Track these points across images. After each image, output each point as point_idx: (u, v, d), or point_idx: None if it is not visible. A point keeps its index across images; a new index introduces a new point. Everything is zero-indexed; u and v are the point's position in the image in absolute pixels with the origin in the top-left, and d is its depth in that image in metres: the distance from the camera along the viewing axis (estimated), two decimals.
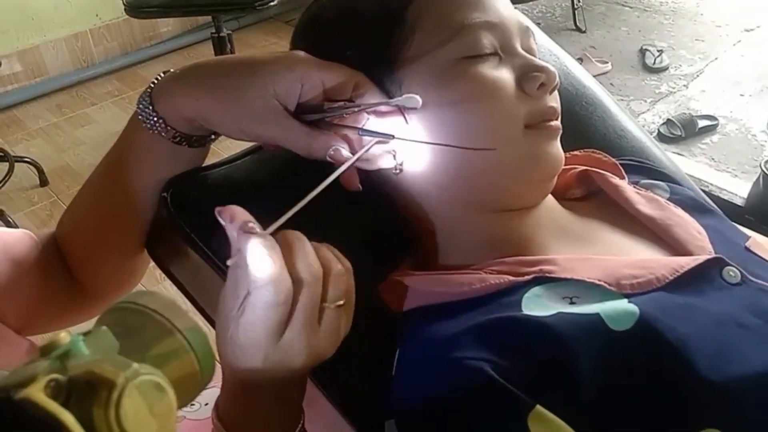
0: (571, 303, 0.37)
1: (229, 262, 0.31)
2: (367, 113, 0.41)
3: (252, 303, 0.31)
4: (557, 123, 0.44)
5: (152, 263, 0.54)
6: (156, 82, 0.43)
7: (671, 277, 0.39)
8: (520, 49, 0.43)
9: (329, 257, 0.33)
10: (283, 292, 0.31)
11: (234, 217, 0.31)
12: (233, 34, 1.80)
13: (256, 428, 0.37)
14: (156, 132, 0.43)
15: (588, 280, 0.38)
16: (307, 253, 0.32)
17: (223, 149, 0.46)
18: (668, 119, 1.84)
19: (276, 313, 0.31)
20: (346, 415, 0.43)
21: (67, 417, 0.20)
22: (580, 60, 2.08)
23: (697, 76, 2.10)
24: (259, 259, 0.31)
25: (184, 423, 0.87)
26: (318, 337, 0.33)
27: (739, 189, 0.79)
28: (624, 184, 0.49)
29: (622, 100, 1.97)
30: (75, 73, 2.24)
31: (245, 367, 0.33)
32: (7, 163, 1.72)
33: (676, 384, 0.34)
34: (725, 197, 0.73)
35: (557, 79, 0.43)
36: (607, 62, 2.13)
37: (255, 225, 0.31)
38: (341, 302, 0.33)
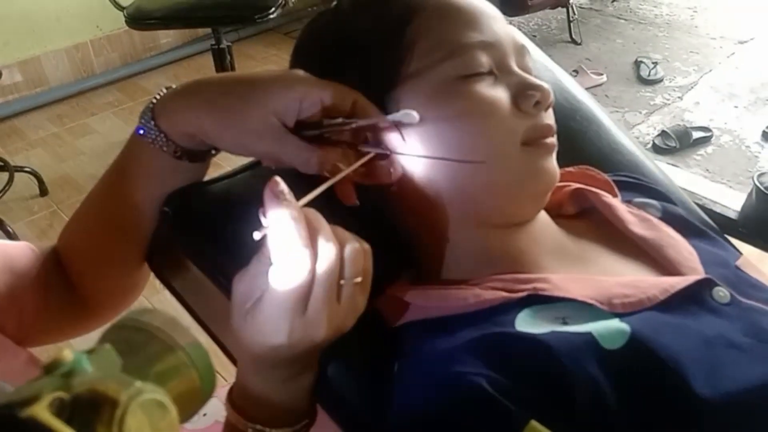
0: (564, 323, 0.38)
1: (255, 235, 0.31)
2: (366, 130, 0.42)
3: (274, 279, 0.32)
4: (553, 140, 0.44)
5: (152, 274, 0.55)
6: (158, 97, 0.44)
7: (662, 297, 0.39)
8: (515, 68, 0.44)
9: (346, 236, 0.34)
10: (305, 265, 0.31)
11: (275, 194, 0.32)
12: (233, 46, 1.81)
13: (274, 414, 0.38)
14: (157, 146, 0.44)
15: (580, 299, 0.39)
16: (324, 230, 0.32)
17: (225, 161, 0.47)
18: (663, 131, 1.85)
19: (298, 286, 0.32)
20: (344, 429, 0.43)
21: None
22: (576, 72, 2.10)
23: (692, 87, 2.12)
24: (283, 232, 0.31)
25: None
26: (337, 311, 0.34)
27: (732, 201, 0.80)
28: (617, 203, 0.49)
29: (617, 111, 1.99)
30: (75, 84, 2.25)
31: (271, 344, 0.33)
32: (7, 173, 1.72)
33: (669, 401, 0.35)
34: (719, 210, 0.73)
35: (552, 96, 0.44)
36: (602, 74, 2.15)
37: (283, 188, 0.32)
38: (359, 279, 0.34)
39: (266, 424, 0.37)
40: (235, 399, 0.39)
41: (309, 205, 0.34)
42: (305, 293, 0.32)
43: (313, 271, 0.32)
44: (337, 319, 0.34)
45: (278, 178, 0.32)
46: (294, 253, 0.31)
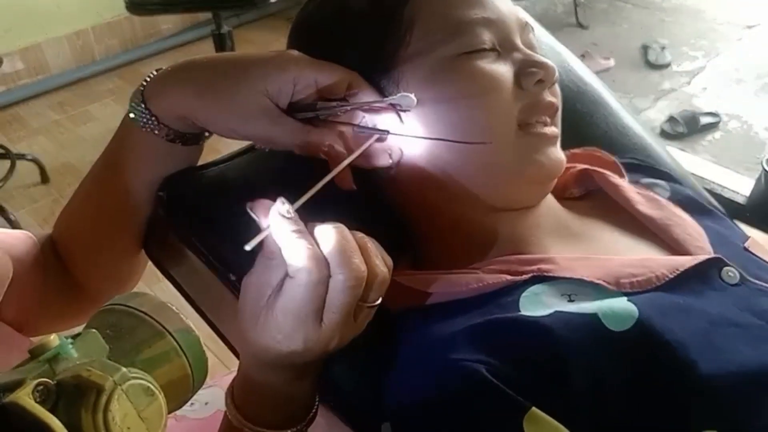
0: (570, 300, 0.37)
1: (247, 246, 0.31)
2: (362, 111, 0.41)
3: (291, 285, 0.32)
4: (553, 129, 0.43)
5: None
6: (148, 80, 0.43)
7: (671, 276, 0.38)
8: (519, 44, 0.43)
9: (375, 261, 0.33)
10: (320, 272, 0.31)
11: (268, 211, 0.32)
12: (234, 31, 1.79)
13: (276, 414, 0.37)
14: (149, 130, 0.43)
15: (587, 279, 0.38)
16: (354, 253, 0.32)
17: (223, 146, 0.46)
18: (671, 116, 1.83)
19: (314, 293, 0.32)
20: (342, 418, 0.43)
21: (54, 422, 0.20)
22: (583, 56, 2.07)
23: (699, 72, 2.08)
24: (294, 242, 0.31)
25: (184, 422, 0.87)
26: (352, 325, 0.34)
27: (741, 186, 0.78)
28: (624, 183, 0.48)
29: (624, 96, 1.96)
30: (76, 71, 2.24)
31: (288, 350, 0.33)
32: (9, 161, 1.72)
33: (675, 385, 0.34)
34: (727, 195, 0.72)
35: (556, 74, 0.43)
36: (609, 59, 2.12)
37: (289, 208, 0.32)
38: (378, 302, 0.34)
39: (268, 425, 0.37)
40: (236, 397, 0.38)
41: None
42: (320, 304, 0.32)
43: (325, 280, 0.32)
44: (350, 332, 0.35)
45: (283, 200, 0.32)
46: (306, 266, 0.31)
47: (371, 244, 0.34)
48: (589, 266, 0.39)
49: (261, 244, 0.32)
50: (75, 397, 0.21)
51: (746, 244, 0.45)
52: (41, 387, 0.21)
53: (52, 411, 0.21)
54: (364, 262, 0.32)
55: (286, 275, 0.32)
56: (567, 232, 0.45)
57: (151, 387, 0.22)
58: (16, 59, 2.14)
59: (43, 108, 2.13)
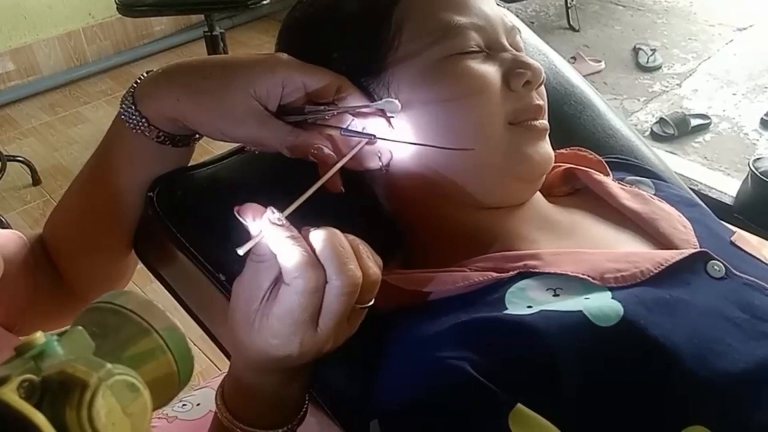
0: (555, 295, 0.37)
1: (239, 251, 0.31)
2: (350, 115, 0.41)
3: (287, 292, 0.32)
4: (543, 122, 0.44)
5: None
6: (139, 81, 0.43)
7: (655, 271, 0.38)
8: (507, 45, 0.43)
9: (368, 263, 0.34)
10: (317, 279, 0.32)
11: (256, 214, 0.32)
12: (226, 33, 1.79)
13: (269, 414, 0.38)
14: (139, 132, 0.43)
15: (572, 274, 0.38)
16: (350, 258, 0.33)
17: (215, 145, 0.46)
18: (661, 118, 1.85)
19: (310, 300, 0.32)
20: (331, 416, 0.43)
21: (39, 418, 0.20)
22: (574, 59, 2.08)
23: (690, 75, 2.10)
24: (290, 248, 0.31)
25: (176, 423, 0.87)
26: (345, 328, 0.35)
27: (729, 188, 0.79)
28: (608, 180, 0.49)
29: (615, 98, 1.98)
30: (68, 72, 2.23)
31: (283, 354, 0.34)
32: (0, 163, 1.71)
33: (661, 380, 0.34)
34: (714, 196, 0.73)
35: (543, 75, 0.43)
36: (600, 61, 2.13)
37: (280, 216, 0.32)
38: (371, 303, 0.35)
39: (259, 426, 0.37)
40: (227, 398, 0.38)
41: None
42: (316, 310, 0.33)
43: (321, 290, 0.32)
44: (344, 334, 0.35)
45: (273, 209, 0.32)
46: (303, 273, 0.32)
47: (363, 247, 0.34)
48: (573, 261, 0.39)
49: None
50: (60, 393, 0.21)
51: (732, 239, 0.46)
52: (26, 383, 0.21)
53: (37, 407, 0.21)
54: (359, 267, 0.33)
55: (280, 280, 0.33)
56: (553, 226, 0.45)
57: (136, 383, 0.22)
58: (7, 60, 2.13)
59: (34, 110, 2.12)
